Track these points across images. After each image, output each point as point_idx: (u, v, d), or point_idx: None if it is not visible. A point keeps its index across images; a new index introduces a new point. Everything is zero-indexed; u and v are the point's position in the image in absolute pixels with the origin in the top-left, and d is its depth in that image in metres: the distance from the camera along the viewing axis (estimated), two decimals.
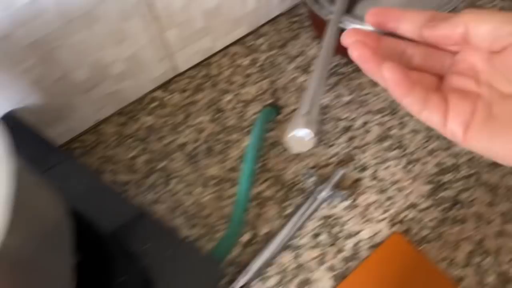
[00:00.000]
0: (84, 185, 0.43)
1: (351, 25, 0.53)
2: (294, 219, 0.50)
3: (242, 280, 0.46)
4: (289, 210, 0.51)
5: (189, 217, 0.52)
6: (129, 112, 0.61)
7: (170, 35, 0.57)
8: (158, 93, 0.63)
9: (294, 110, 0.58)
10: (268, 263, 0.48)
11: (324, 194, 0.50)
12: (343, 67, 0.61)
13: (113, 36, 0.52)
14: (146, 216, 0.42)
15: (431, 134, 0.54)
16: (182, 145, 0.57)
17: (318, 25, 0.59)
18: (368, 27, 0.29)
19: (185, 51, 0.61)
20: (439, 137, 0.54)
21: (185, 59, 0.62)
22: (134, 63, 0.57)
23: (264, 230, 0.50)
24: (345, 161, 0.54)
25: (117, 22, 0.51)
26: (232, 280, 0.46)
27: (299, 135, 0.45)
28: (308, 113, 0.46)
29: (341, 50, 0.31)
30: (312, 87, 0.48)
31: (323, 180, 0.52)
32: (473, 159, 0.52)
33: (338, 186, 0.52)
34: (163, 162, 0.56)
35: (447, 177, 0.51)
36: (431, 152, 0.53)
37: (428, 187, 0.51)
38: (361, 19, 0.53)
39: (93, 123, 0.60)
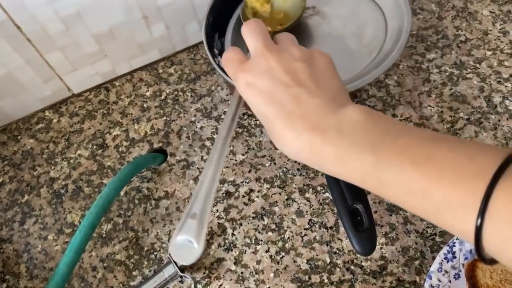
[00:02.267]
0: None
1: None
2: None
3: None
4: (136, 281, 0.46)
5: (33, 266, 0.48)
6: (14, 130, 0.57)
7: (52, 58, 0.51)
8: (48, 113, 0.57)
9: (182, 160, 0.52)
10: None
11: (173, 273, 0.44)
12: (246, 118, 0.54)
13: None
14: None
15: (315, 220, 0.47)
16: (52, 180, 0.52)
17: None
18: None
19: (78, 74, 0.55)
20: (322, 225, 0.47)
21: (79, 81, 0.56)
22: (10, 82, 0.51)
23: None
24: (214, 234, 0.47)
25: None
26: None
27: (182, 244, 0.35)
28: (196, 215, 0.35)
29: None
30: (207, 179, 0.36)
31: None
32: (353, 261, 0.45)
33: (195, 265, 0.46)
34: (28, 195, 0.52)
35: (317, 278, 0.44)
36: (308, 243, 0.46)
37: (291, 286, 0.44)
38: None
39: None
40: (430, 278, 0.42)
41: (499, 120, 0.50)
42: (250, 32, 0.35)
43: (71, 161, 0.53)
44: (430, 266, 0.43)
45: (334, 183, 0.41)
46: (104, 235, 0.48)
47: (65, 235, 0.49)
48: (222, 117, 0.54)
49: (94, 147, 0.54)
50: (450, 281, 0.42)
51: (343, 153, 0.28)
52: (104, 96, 0.58)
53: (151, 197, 0.50)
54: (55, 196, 0.51)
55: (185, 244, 0.35)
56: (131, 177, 0.47)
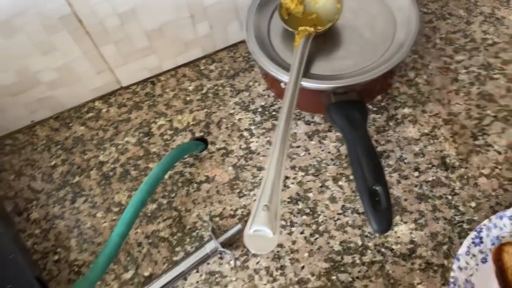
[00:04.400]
0: None
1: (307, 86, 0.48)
2: (178, 268, 0.47)
3: None
4: (179, 256, 0.49)
5: (83, 241, 0.51)
6: (65, 118, 0.61)
7: (106, 51, 0.56)
8: (98, 104, 0.62)
9: (221, 148, 0.56)
10: None
11: (214, 248, 0.47)
12: None
13: (39, 46, 0.51)
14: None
15: (348, 206, 0.50)
16: (101, 164, 0.56)
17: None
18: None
19: (128, 67, 0.59)
20: (355, 211, 0.49)
21: (128, 75, 0.61)
22: (67, 73, 0.56)
23: (147, 272, 0.49)
24: None
25: (42, 34, 0.50)
26: None
27: (258, 234, 0.38)
28: (267, 206, 0.39)
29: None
30: (271, 171, 0.41)
31: (221, 232, 0.49)
32: (383, 244, 0.47)
33: (233, 242, 0.49)
34: (78, 177, 0.56)
35: (349, 259, 0.47)
36: (341, 227, 0.49)
37: (325, 265, 0.47)
38: (316, 77, 0.49)
39: (29, 122, 0.60)
40: (458, 260, 0.44)
41: None
42: None
43: (119, 147, 0.57)
44: (458, 250, 0.45)
45: (357, 165, 0.44)
46: (149, 214, 0.52)
47: (112, 213, 0.53)
48: (259, 110, 0.58)
49: (141, 134, 0.58)
50: (477, 264, 0.44)
51: None
52: (150, 89, 0.62)
53: (193, 180, 0.54)
54: (104, 178, 0.55)
55: (260, 235, 0.38)
56: (177, 160, 0.51)
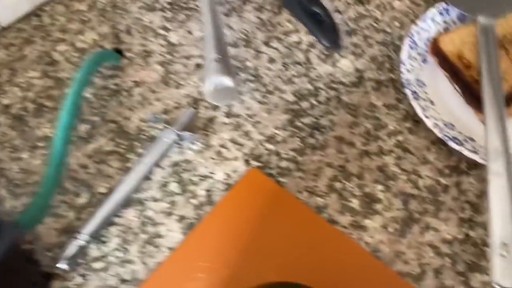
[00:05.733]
0: None
1: None
2: (136, 169, 0.43)
3: (73, 247, 0.39)
4: (133, 162, 0.44)
5: (14, 186, 0.44)
6: None
7: None
8: None
9: (140, 52, 0.51)
10: (107, 223, 0.41)
11: (170, 138, 0.43)
12: (192, 2, 0.54)
13: None
14: None
15: (287, 61, 0.49)
16: (7, 107, 0.48)
17: None
18: None
19: (5, 1, 0.51)
20: (296, 63, 0.49)
21: (7, 11, 0.53)
22: None
23: (103, 188, 0.43)
24: (197, 101, 0.47)
25: None
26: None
27: (218, 88, 0.39)
28: (217, 57, 0.39)
29: None
30: (210, 26, 0.41)
31: (172, 124, 0.45)
32: (332, 82, 0.47)
33: (189, 129, 0.45)
34: None
35: (306, 104, 0.46)
36: (288, 81, 0.48)
37: (285, 117, 0.46)
38: None
39: None
40: (404, 64, 0.46)
41: None
42: None
43: (23, 85, 0.50)
44: (399, 63, 0.47)
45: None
46: (84, 136, 0.46)
47: (41, 148, 0.46)
48: (167, 7, 0.54)
49: (44, 66, 0.51)
50: (420, 65, 0.47)
51: None
52: (37, 21, 0.55)
53: (121, 89, 0.49)
54: (16, 119, 0.48)
55: (221, 88, 0.39)
56: (91, 72, 0.45)
